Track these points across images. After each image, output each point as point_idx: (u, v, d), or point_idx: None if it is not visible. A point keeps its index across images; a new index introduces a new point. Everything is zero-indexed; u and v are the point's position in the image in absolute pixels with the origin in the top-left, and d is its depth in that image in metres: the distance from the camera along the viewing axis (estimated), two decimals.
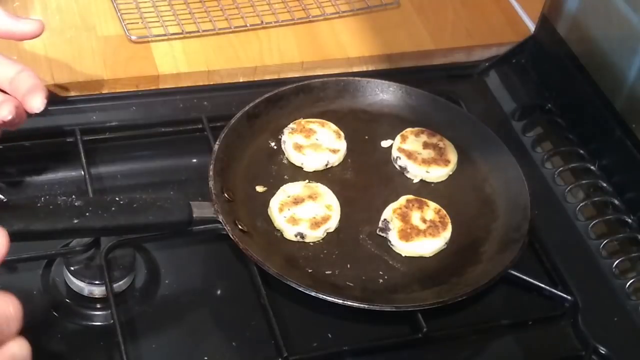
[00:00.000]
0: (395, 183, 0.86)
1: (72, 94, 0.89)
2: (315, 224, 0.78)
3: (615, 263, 0.82)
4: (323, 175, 0.85)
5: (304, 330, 0.73)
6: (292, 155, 0.85)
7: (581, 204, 0.87)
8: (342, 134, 0.88)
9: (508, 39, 1.05)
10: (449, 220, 0.81)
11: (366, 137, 0.90)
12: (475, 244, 0.81)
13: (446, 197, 0.84)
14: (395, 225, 0.80)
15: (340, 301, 0.72)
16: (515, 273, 0.77)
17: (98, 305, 0.71)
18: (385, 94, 0.93)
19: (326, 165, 0.86)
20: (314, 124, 0.88)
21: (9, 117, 0.72)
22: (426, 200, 0.83)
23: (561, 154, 0.93)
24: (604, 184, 0.88)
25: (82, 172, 0.80)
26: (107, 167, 0.83)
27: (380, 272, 0.78)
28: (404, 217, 0.80)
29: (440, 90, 0.95)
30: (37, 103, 0.73)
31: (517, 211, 0.82)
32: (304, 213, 0.79)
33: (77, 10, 0.98)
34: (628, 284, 0.80)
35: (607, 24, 0.89)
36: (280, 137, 0.87)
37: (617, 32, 0.88)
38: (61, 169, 0.83)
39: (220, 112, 0.89)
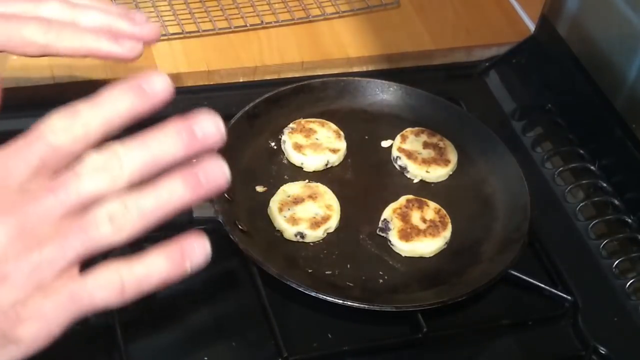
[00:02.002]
0: (395, 183, 0.86)
1: (72, 93, 0.89)
2: (315, 224, 0.78)
3: (615, 263, 0.82)
4: (323, 175, 0.85)
5: (304, 330, 0.73)
6: (292, 155, 0.85)
7: (581, 204, 0.87)
8: (342, 134, 0.88)
9: (508, 39, 1.04)
10: (449, 220, 0.81)
11: (366, 137, 0.90)
12: (475, 244, 0.81)
13: (446, 197, 0.84)
14: (395, 225, 0.80)
15: (340, 301, 0.72)
16: (515, 273, 0.77)
17: None
18: (385, 94, 0.93)
19: (326, 165, 0.86)
20: (314, 124, 0.88)
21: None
22: (426, 200, 0.83)
23: (561, 154, 0.93)
24: (604, 184, 0.88)
25: None
26: None
27: (380, 272, 0.78)
28: (404, 217, 0.80)
29: (440, 90, 0.95)
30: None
31: (517, 211, 0.82)
32: (304, 213, 0.79)
33: None
34: (628, 284, 0.80)
35: (607, 24, 0.89)
36: (280, 137, 0.87)
37: (617, 32, 0.88)
38: None
39: (220, 112, 0.88)
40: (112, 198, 0.47)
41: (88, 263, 0.48)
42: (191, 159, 0.48)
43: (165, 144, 0.48)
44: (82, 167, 0.46)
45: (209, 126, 0.50)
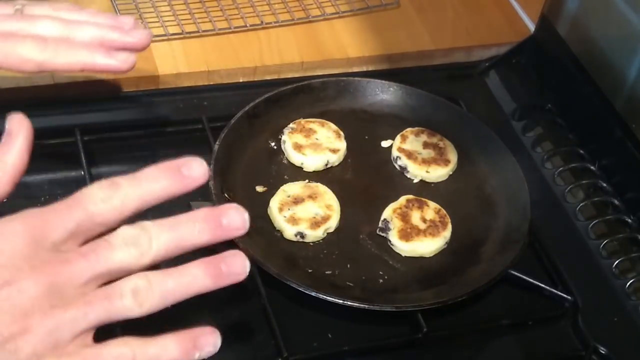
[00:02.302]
0: (395, 183, 0.86)
1: (72, 93, 0.89)
2: (315, 224, 0.78)
3: (615, 263, 0.82)
4: (323, 175, 0.85)
5: (304, 330, 0.73)
6: (292, 155, 0.85)
7: (581, 204, 0.87)
8: (342, 133, 0.88)
9: (508, 39, 1.05)
10: (449, 220, 0.81)
11: (366, 137, 0.90)
12: (475, 244, 0.81)
13: (446, 197, 0.84)
14: (395, 225, 0.80)
15: (340, 301, 0.72)
16: (515, 273, 0.77)
17: None
18: (385, 94, 0.93)
19: (326, 165, 0.86)
20: (314, 124, 0.88)
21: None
22: (426, 200, 0.83)
23: (561, 154, 0.93)
24: (604, 184, 0.88)
25: (82, 172, 0.80)
26: (107, 167, 0.83)
27: (380, 272, 0.78)
28: (404, 217, 0.80)
29: (440, 90, 0.95)
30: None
31: (517, 211, 0.82)
32: (303, 213, 0.79)
33: None
34: (628, 284, 0.80)
35: (607, 24, 0.89)
36: (280, 137, 0.87)
37: (617, 32, 0.88)
38: (61, 169, 0.83)
39: (220, 112, 0.89)
40: (138, 273, 0.50)
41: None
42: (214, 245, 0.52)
43: (193, 229, 0.52)
44: (115, 239, 0.50)
45: (235, 219, 0.53)
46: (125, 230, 0.50)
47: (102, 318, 0.49)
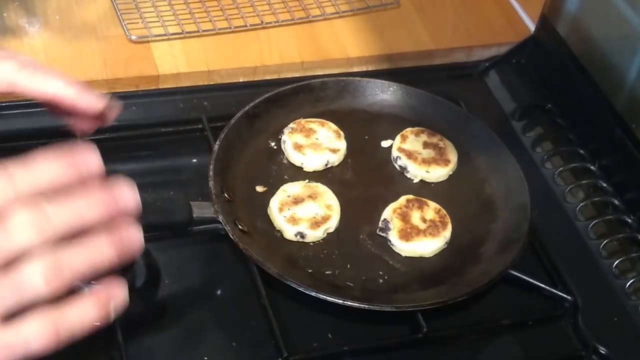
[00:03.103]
0: (395, 183, 0.86)
1: None
2: (315, 224, 0.78)
3: (615, 263, 0.82)
4: (323, 175, 0.85)
5: (304, 330, 0.73)
6: (292, 155, 0.85)
7: (581, 204, 0.87)
8: (342, 133, 0.88)
9: (508, 39, 1.05)
10: (449, 220, 0.81)
11: (366, 137, 0.90)
12: (475, 244, 0.81)
13: (446, 197, 0.84)
14: (395, 225, 0.80)
15: (340, 301, 0.72)
16: (515, 273, 0.77)
17: None
18: (385, 94, 0.93)
19: (326, 165, 0.86)
20: (314, 124, 0.88)
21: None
22: (426, 200, 0.83)
23: (561, 154, 0.93)
24: (604, 184, 0.88)
25: None
26: (107, 167, 0.83)
27: (380, 272, 0.77)
28: (404, 217, 0.80)
29: (440, 90, 0.95)
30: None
31: (517, 211, 0.82)
32: (304, 213, 0.79)
33: (77, 10, 0.98)
34: (628, 284, 0.80)
35: (607, 24, 0.89)
36: (280, 137, 0.87)
37: (617, 32, 0.88)
38: None
39: (220, 112, 0.89)
40: (44, 253, 0.48)
41: None
42: (109, 220, 0.51)
43: (90, 206, 0.51)
44: (11, 223, 0.48)
45: (127, 195, 0.53)
46: (21, 213, 0.48)
47: (11, 304, 0.47)
